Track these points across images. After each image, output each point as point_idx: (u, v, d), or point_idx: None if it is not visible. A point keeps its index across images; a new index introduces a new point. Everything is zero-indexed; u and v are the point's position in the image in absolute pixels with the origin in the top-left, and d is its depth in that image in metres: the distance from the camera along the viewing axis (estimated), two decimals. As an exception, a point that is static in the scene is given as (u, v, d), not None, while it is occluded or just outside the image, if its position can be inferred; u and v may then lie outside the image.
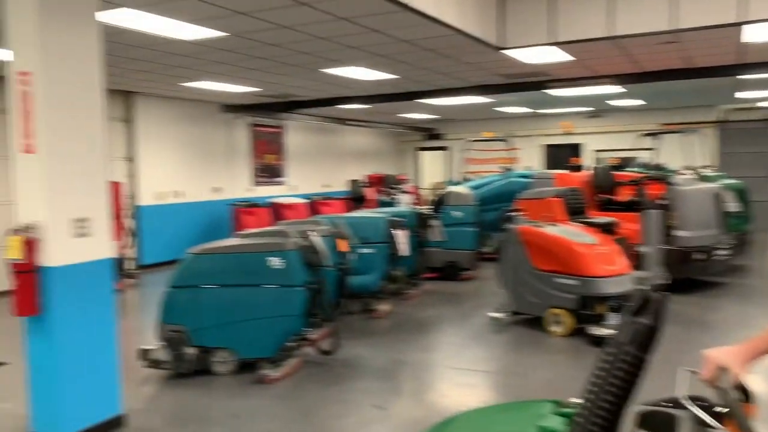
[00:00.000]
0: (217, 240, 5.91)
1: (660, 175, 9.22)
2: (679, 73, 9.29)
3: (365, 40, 7.08)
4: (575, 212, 8.03)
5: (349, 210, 13.19)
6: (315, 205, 13.87)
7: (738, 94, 13.16)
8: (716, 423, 1.44)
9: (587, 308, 6.16)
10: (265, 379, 5.13)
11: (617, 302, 6.02)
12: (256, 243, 5.35)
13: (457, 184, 12.21)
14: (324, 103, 12.16)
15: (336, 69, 8.85)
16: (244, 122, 13.84)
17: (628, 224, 7.75)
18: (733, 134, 15.77)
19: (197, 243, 5.86)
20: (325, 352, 5.72)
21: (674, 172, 10.43)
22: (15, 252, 3.79)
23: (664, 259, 7.70)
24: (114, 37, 6.42)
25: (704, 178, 9.83)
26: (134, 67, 8.51)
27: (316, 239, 5.38)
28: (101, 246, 4.20)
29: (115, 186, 9.52)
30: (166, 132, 11.99)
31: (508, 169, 12.74)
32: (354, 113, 15.10)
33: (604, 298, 6.10)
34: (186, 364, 5.29)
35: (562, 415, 1.81)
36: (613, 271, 6.23)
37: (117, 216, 9.43)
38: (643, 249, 7.68)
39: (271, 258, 5.17)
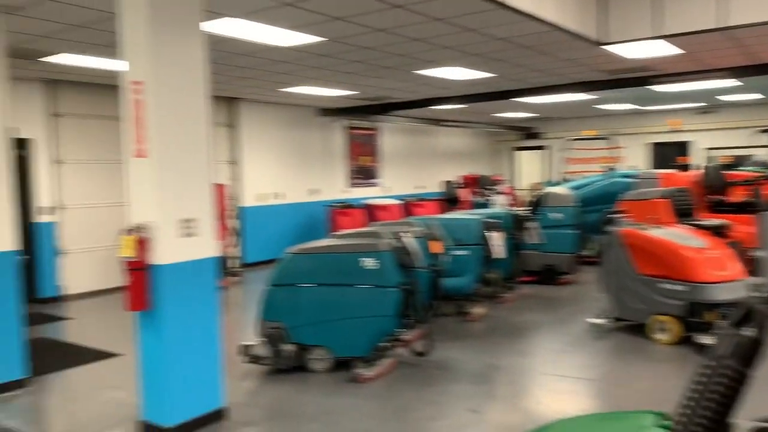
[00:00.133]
0: (314, 240, 6.05)
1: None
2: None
3: (460, 40, 7.03)
4: (683, 214, 7.61)
5: (442, 211, 13.16)
6: (408, 206, 13.92)
7: None
8: None
9: (696, 316, 5.81)
10: (360, 378, 5.20)
11: (729, 310, 5.64)
12: (350, 243, 5.43)
13: (555, 184, 11.90)
14: (418, 105, 12.19)
15: (430, 70, 8.84)
16: (340, 125, 14.12)
17: (742, 227, 7.27)
18: None
19: (295, 243, 6.02)
20: (419, 354, 5.72)
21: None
22: (128, 250, 4.04)
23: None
24: (218, 45, 6.73)
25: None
26: (238, 74, 8.88)
27: (409, 240, 5.39)
28: (206, 245, 4.39)
29: (220, 188, 10.01)
30: (267, 136, 12.45)
31: (611, 169, 12.28)
32: (448, 113, 15.04)
33: (714, 306, 5.74)
34: (284, 360, 5.45)
35: (665, 428, 1.71)
36: (725, 277, 5.83)
37: (221, 217, 9.91)
38: (758, 253, 7.16)
39: (364, 258, 5.23)
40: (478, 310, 7.40)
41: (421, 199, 14.78)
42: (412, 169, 16.49)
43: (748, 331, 1.38)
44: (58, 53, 7.11)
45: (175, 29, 4.17)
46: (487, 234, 7.25)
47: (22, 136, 8.66)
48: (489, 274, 7.71)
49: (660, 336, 6.06)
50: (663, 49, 7.54)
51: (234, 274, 10.72)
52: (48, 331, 7.41)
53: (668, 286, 5.97)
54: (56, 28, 5.97)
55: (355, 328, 5.29)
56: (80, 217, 9.42)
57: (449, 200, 15.17)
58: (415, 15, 5.88)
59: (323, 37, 6.65)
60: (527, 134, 19.19)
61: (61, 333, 7.40)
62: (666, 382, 5.16)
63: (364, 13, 5.79)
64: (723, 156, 13.13)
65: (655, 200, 7.82)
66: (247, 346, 5.58)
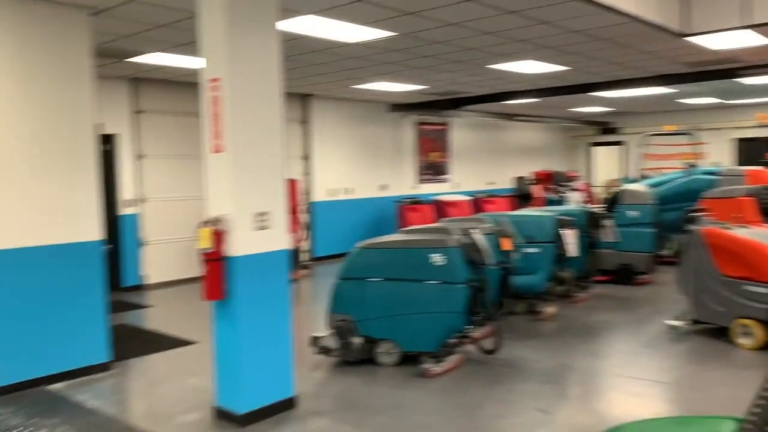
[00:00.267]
0: (383, 235, 6.09)
1: None
2: None
3: (534, 33, 6.89)
4: (770, 213, 7.23)
5: (514, 208, 12.96)
6: (478, 202, 13.80)
7: None
8: None
9: (783, 321, 5.51)
10: (427, 373, 5.20)
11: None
12: (419, 239, 5.44)
13: (633, 181, 11.52)
14: (490, 99, 12.04)
15: (503, 64, 8.72)
16: (410, 121, 14.13)
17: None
18: None
19: (364, 238, 6.08)
20: (487, 351, 5.67)
21: None
22: (205, 242, 4.19)
23: None
24: (292, 43, 6.86)
25: None
26: (311, 71, 9.03)
27: (479, 237, 5.35)
28: (279, 238, 4.50)
29: (292, 183, 10.22)
30: (338, 132, 12.61)
31: (693, 166, 11.74)
32: (521, 108, 14.79)
33: (805, 311, 5.42)
34: (353, 352, 5.52)
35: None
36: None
37: (293, 211, 10.11)
38: None
39: (433, 254, 5.22)
40: (549, 309, 7.26)
41: (492, 195, 14.61)
42: (482, 164, 16.31)
43: None
44: (144, 53, 7.44)
45: (252, 28, 4.28)
46: (560, 231, 7.10)
47: (108, 132, 9.12)
48: (561, 273, 7.55)
49: (743, 341, 5.78)
50: (751, 39, 7.14)
51: (304, 267, 10.93)
52: (130, 318, 7.79)
53: (753, 289, 5.68)
54: (140, 28, 6.25)
55: (423, 324, 5.30)
56: (161, 209, 9.84)
57: (521, 197, 14.93)
58: (488, 8, 5.80)
59: (395, 31, 6.67)
60: (604, 129, 18.62)
61: (142, 320, 7.77)
62: (748, 388, 4.90)
63: (436, 7, 5.77)
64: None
65: (741, 198, 7.46)
66: (316, 338, 5.69)
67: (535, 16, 6.14)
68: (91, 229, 5.48)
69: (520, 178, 15.75)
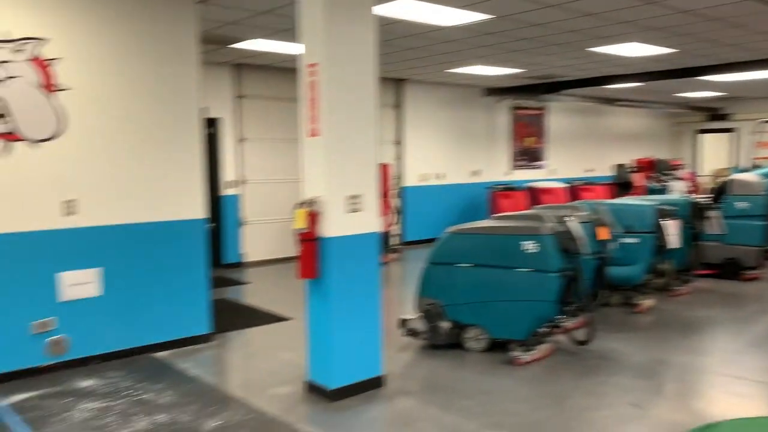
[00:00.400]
0: (474, 221, 6.05)
1: None
2: None
3: (638, 14, 6.59)
4: None
5: (613, 196, 12.51)
6: (575, 190, 13.40)
7: None
8: None
9: None
10: (516, 361, 5.16)
11: None
12: (510, 226, 5.37)
13: (744, 170, 10.82)
14: (590, 83, 11.62)
15: (605, 47, 8.39)
16: (505, 105, 13.88)
17: None
18: None
19: (455, 223, 6.07)
20: (579, 342, 5.54)
21: None
22: (300, 223, 4.33)
23: None
24: (389, 27, 6.91)
25: None
26: (406, 56, 9.06)
27: (574, 225, 5.21)
28: (370, 221, 4.58)
29: (384, 167, 10.33)
30: (431, 116, 12.59)
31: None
32: (622, 93, 14.19)
33: None
34: (440, 336, 5.55)
35: None
36: None
37: (385, 195, 10.23)
38: None
39: (525, 242, 5.15)
40: (646, 301, 6.98)
41: (590, 183, 14.15)
42: (580, 151, 15.81)
43: None
44: (246, 39, 7.73)
45: (349, 13, 4.35)
46: (661, 222, 6.80)
47: (212, 115, 9.56)
48: (661, 265, 7.25)
49: None
50: None
51: (395, 251, 11.05)
52: (230, 293, 8.18)
53: None
54: (243, 14, 6.49)
55: (513, 311, 5.25)
56: (260, 191, 10.24)
57: (621, 185, 14.40)
58: (590, -11, 5.61)
59: (491, 14, 6.57)
60: (713, 115, 17.53)
61: (241, 296, 8.14)
62: None
63: (535, -10, 5.64)
64: None
65: None
66: (405, 320, 5.76)
67: (641, -5, 5.87)
68: (196, 208, 5.79)
69: (620, 166, 15.15)
